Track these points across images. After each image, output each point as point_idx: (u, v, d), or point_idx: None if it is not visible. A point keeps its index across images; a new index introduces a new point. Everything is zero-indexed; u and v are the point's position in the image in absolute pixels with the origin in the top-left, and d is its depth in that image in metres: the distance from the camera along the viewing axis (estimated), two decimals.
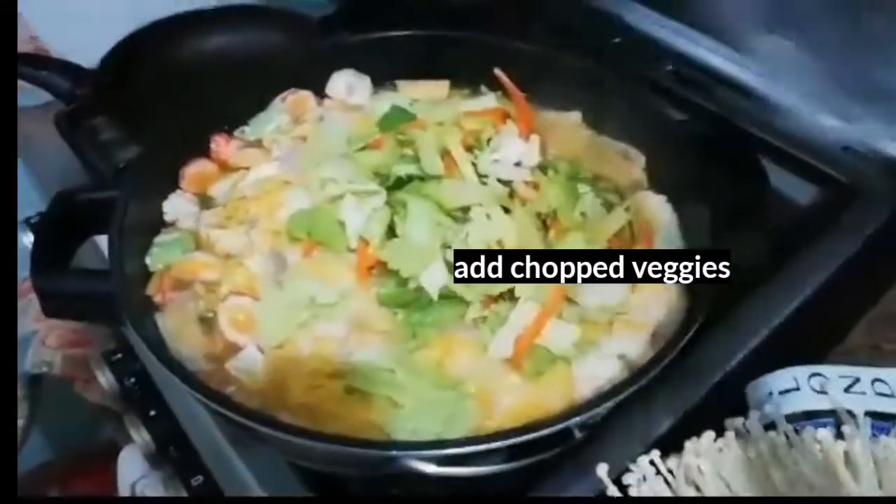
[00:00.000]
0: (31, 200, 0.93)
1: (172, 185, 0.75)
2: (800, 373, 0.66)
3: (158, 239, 0.70)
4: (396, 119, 0.75)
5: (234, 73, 0.83)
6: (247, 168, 0.76)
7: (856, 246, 0.81)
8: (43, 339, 0.96)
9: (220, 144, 0.78)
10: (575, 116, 0.82)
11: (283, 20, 1.05)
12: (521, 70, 0.82)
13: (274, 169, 0.75)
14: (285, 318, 0.62)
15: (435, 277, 0.61)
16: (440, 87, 0.84)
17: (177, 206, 0.73)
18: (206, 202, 0.75)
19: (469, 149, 0.68)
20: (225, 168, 0.78)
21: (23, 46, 1.06)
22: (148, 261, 0.68)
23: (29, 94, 0.96)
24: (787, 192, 0.94)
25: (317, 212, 0.68)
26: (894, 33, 0.86)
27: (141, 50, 0.95)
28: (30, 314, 1.00)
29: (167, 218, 0.73)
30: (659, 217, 0.72)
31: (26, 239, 0.90)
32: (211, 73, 0.97)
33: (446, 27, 0.87)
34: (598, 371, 0.61)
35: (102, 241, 0.74)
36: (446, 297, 0.62)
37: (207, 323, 0.65)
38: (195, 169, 0.76)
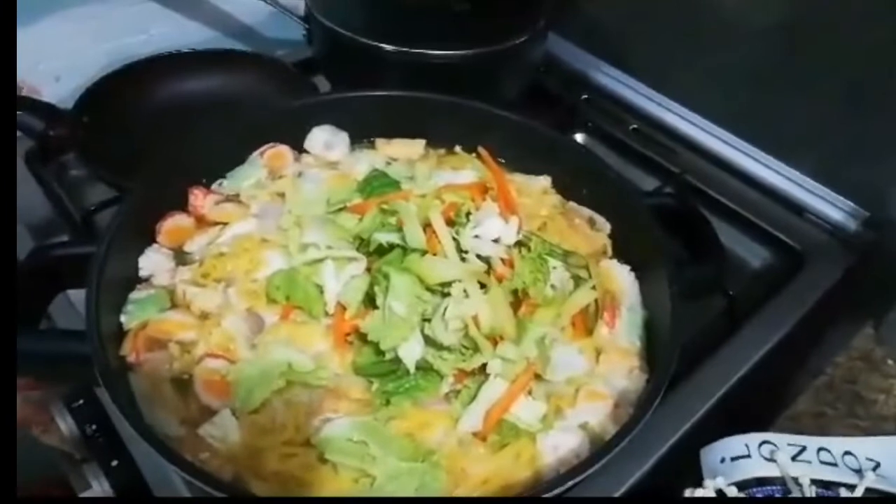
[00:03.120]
0: None
1: (148, 239, 0.75)
2: (751, 440, 0.69)
3: (133, 296, 0.70)
4: (377, 185, 0.77)
5: (211, 125, 0.83)
6: (224, 223, 0.76)
7: (803, 311, 0.86)
8: None
9: (198, 198, 0.78)
10: (545, 181, 0.85)
11: (257, 64, 1.06)
12: (496, 134, 0.85)
13: (252, 226, 0.75)
14: (261, 384, 0.63)
15: (413, 351, 0.62)
16: (416, 146, 0.86)
17: (153, 262, 0.73)
18: (181, 258, 0.75)
19: (449, 222, 0.70)
20: (202, 222, 0.78)
21: None
22: (122, 318, 0.68)
23: None
24: (741, 253, 0.99)
25: (295, 275, 0.69)
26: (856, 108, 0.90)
27: (116, 91, 0.95)
28: None
29: (142, 274, 0.72)
30: (623, 287, 0.75)
31: None
32: (186, 119, 0.97)
33: (420, 84, 0.90)
34: (562, 442, 0.63)
35: (74, 294, 0.75)
36: (421, 368, 0.63)
37: (182, 385, 0.65)
38: (172, 223, 0.76)
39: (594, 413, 0.66)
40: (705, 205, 0.98)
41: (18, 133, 0.93)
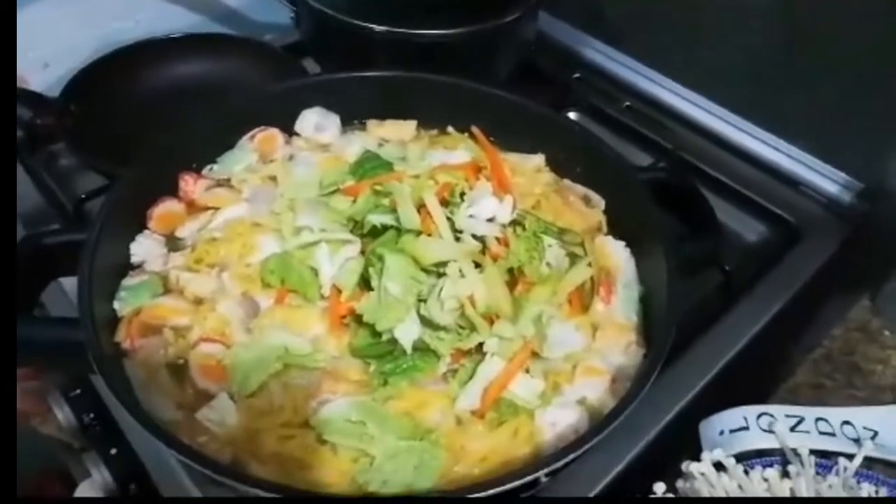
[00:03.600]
0: None
1: (139, 226, 0.75)
2: (749, 412, 0.69)
3: (126, 282, 0.69)
4: (370, 167, 0.76)
5: (201, 110, 0.82)
6: (216, 208, 0.76)
7: (800, 285, 0.86)
8: None
9: (189, 183, 0.77)
10: (538, 159, 0.85)
11: (246, 48, 1.05)
12: (488, 114, 0.84)
13: (244, 210, 0.75)
14: (258, 367, 0.62)
15: (410, 331, 0.62)
16: (408, 127, 0.85)
17: (144, 248, 0.72)
18: (173, 244, 0.74)
19: (444, 203, 0.70)
20: (193, 208, 0.77)
21: None
22: (116, 305, 0.67)
23: None
24: (736, 227, 0.99)
25: (290, 258, 0.68)
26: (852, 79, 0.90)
27: (103, 78, 0.94)
28: None
29: (134, 260, 0.72)
30: (618, 263, 0.75)
31: None
32: (175, 104, 0.96)
33: (410, 64, 0.89)
34: (560, 418, 0.64)
35: (67, 282, 0.74)
36: (419, 349, 0.63)
37: (177, 370, 0.64)
38: (163, 209, 0.75)
39: (592, 388, 0.66)
40: (700, 180, 0.98)
41: None
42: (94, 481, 0.81)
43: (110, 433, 0.79)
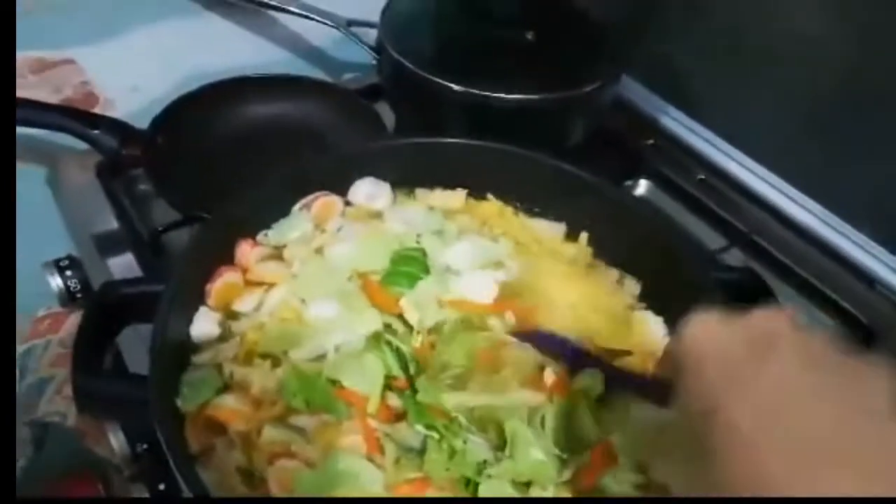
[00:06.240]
0: (62, 243, 0.95)
1: (201, 298, 0.70)
2: None
3: (186, 377, 0.64)
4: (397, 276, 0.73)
5: (266, 174, 0.77)
6: (271, 284, 0.71)
7: None
8: (59, 389, 0.97)
9: (245, 251, 0.73)
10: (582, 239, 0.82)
11: (323, 91, 1.07)
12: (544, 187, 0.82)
13: (289, 290, 0.70)
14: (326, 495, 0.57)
15: None
16: (457, 197, 0.84)
17: (203, 329, 0.67)
18: (226, 327, 0.69)
19: None
20: (249, 280, 0.72)
21: (73, 91, 1.08)
22: (178, 403, 0.63)
23: (72, 138, 0.97)
24: (805, 321, 0.95)
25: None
26: None
27: (188, 115, 0.97)
28: (46, 357, 1.00)
29: (195, 340, 0.67)
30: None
31: (52, 280, 0.91)
32: (249, 148, 0.99)
33: (484, 125, 0.88)
34: None
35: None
36: None
37: (251, 476, 0.60)
38: (221, 283, 0.70)
39: None
40: (770, 267, 0.97)
41: (90, 148, 0.96)
42: None
43: (160, 465, 0.80)
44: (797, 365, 0.42)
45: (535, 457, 0.59)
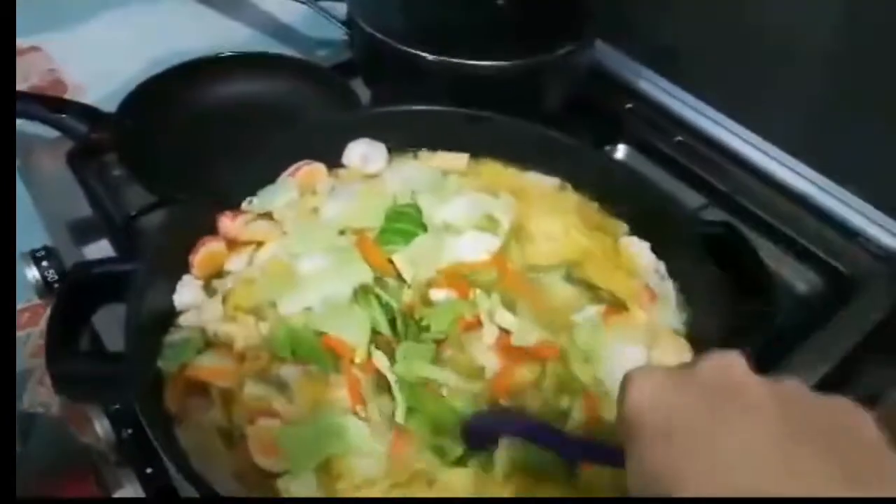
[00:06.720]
0: (37, 233, 0.93)
1: (184, 268, 0.70)
2: None
3: (168, 339, 0.65)
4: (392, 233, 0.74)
5: (247, 147, 0.78)
6: (259, 242, 0.72)
7: (853, 342, 0.83)
8: (40, 379, 0.96)
9: (226, 224, 0.73)
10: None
11: (300, 69, 1.06)
12: (534, 150, 0.83)
13: (281, 247, 0.71)
14: (311, 452, 0.58)
15: None
16: (460, 160, 0.83)
17: (187, 297, 0.68)
18: (211, 289, 0.70)
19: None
20: (234, 245, 0.72)
21: (40, 78, 1.06)
22: (160, 364, 0.63)
23: (41, 127, 0.95)
24: (787, 276, 0.96)
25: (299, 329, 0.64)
26: None
27: (159, 95, 0.95)
28: (27, 349, 0.99)
29: (178, 308, 0.68)
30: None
31: (29, 272, 0.90)
32: (224, 126, 0.97)
33: (460, 93, 0.87)
34: None
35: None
36: None
37: (230, 437, 0.60)
38: (204, 252, 0.70)
39: None
40: (750, 223, 0.96)
41: (61, 135, 0.94)
42: (126, 494, 0.82)
43: (147, 451, 0.79)
44: (767, 426, 0.35)
45: None
